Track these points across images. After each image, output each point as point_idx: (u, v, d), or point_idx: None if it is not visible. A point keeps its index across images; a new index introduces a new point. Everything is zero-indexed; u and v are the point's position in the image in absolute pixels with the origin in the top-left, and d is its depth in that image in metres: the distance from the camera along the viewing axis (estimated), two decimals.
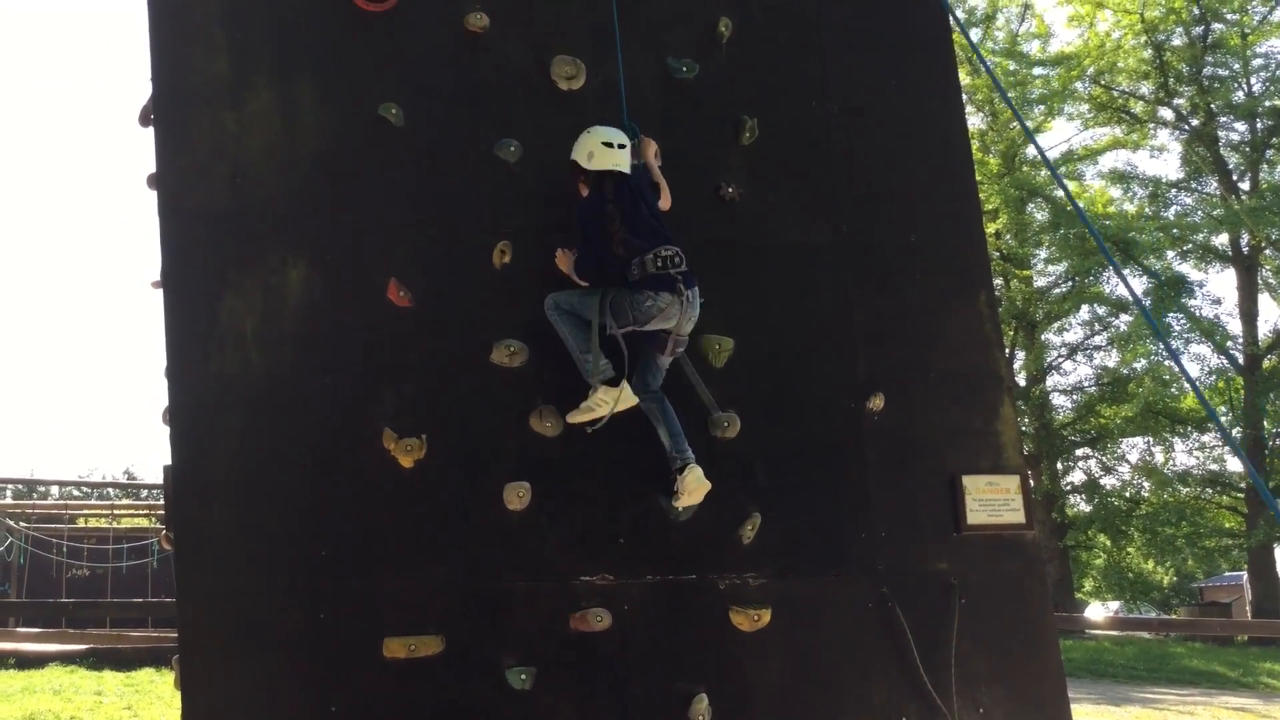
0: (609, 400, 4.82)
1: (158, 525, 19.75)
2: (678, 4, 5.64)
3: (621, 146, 4.92)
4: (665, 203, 5.12)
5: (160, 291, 4.93)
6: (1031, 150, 20.29)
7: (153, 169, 4.97)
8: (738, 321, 5.40)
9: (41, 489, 35.02)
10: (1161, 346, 18.85)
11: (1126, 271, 18.99)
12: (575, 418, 4.92)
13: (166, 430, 4.83)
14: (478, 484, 4.90)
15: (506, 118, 5.28)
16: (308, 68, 5.03)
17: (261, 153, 4.89)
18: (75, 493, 35.35)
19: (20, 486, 27.41)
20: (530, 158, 5.27)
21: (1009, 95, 17.24)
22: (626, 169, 4.94)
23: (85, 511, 23.96)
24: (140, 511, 22.93)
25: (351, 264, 4.96)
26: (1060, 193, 19.50)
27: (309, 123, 4.98)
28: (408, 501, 4.82)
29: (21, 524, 19.44)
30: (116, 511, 23.12)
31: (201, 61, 4.89)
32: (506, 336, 5.05)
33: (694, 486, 4.83)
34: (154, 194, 4.98)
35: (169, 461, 4.80)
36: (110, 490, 29.62)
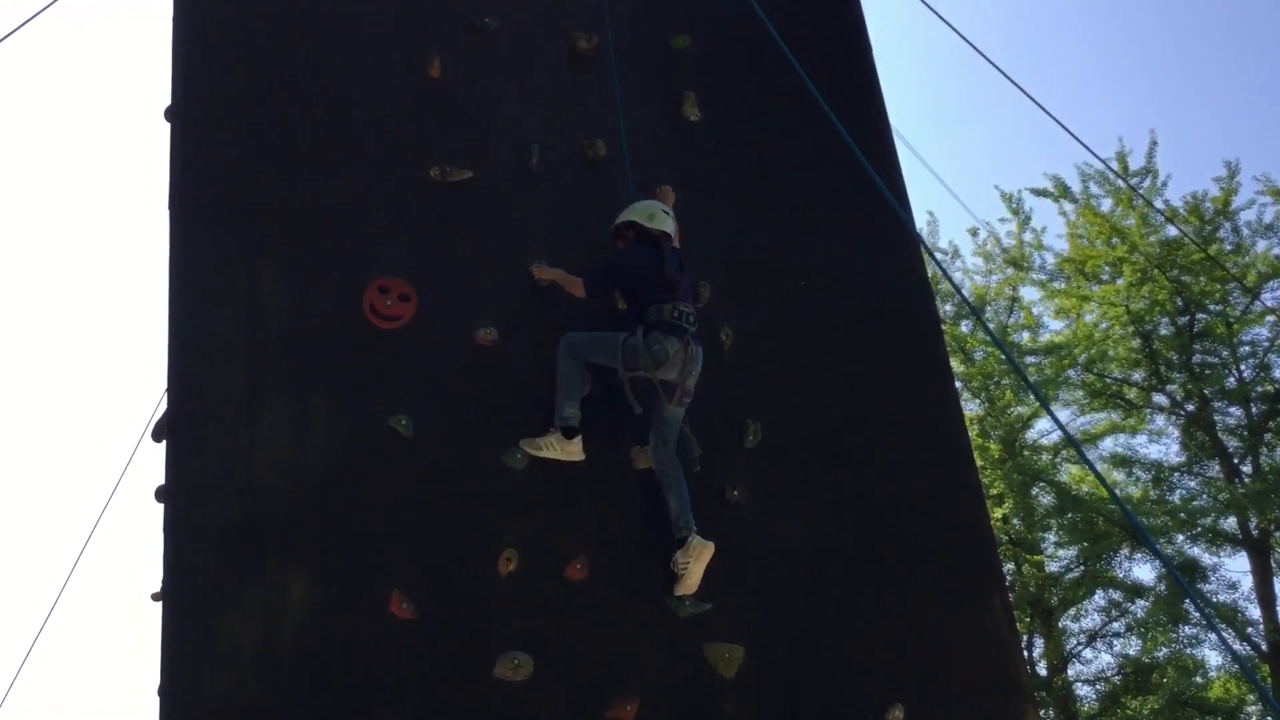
0: (558, 451, 5.20)
1: None
2: None
3: (668, 216, 5.63)
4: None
5: (159, 605, 4.84)
6: (1031, 434, 20.37)
7: (161, 482, 5.00)
8: (747, 629, 5.28)
9: None
10: (1183, 630, 18.26)
11: (1138, 556, 18.65)
12: (525, 446, 5.23)
13: None
14: None
15: (514, 426, 5.36)
16: (321, 383, 5.15)
17: (271, 467, 4.93)
18: None
19: None
20: (537, 465, 5.31)
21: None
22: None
23: None
24: None
25: (355, 576, 4.89)
26: (1063, 477, 19.45)
27: (320, 436, 5.05)
28: None
29: None
30: None
31: (220, 380, 5.01)
32: (511, 649, 4.91)
33: (698, 551, 5.07)
34: (160, 507, 4.98)
35: None
36: None
